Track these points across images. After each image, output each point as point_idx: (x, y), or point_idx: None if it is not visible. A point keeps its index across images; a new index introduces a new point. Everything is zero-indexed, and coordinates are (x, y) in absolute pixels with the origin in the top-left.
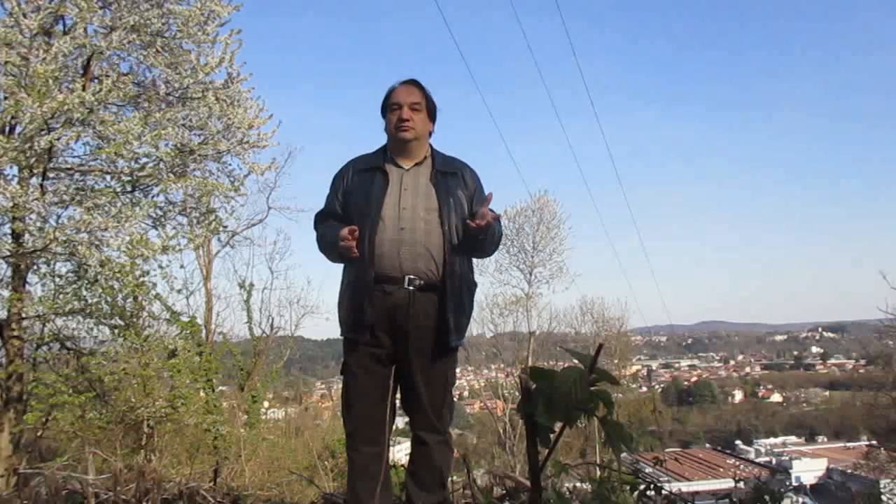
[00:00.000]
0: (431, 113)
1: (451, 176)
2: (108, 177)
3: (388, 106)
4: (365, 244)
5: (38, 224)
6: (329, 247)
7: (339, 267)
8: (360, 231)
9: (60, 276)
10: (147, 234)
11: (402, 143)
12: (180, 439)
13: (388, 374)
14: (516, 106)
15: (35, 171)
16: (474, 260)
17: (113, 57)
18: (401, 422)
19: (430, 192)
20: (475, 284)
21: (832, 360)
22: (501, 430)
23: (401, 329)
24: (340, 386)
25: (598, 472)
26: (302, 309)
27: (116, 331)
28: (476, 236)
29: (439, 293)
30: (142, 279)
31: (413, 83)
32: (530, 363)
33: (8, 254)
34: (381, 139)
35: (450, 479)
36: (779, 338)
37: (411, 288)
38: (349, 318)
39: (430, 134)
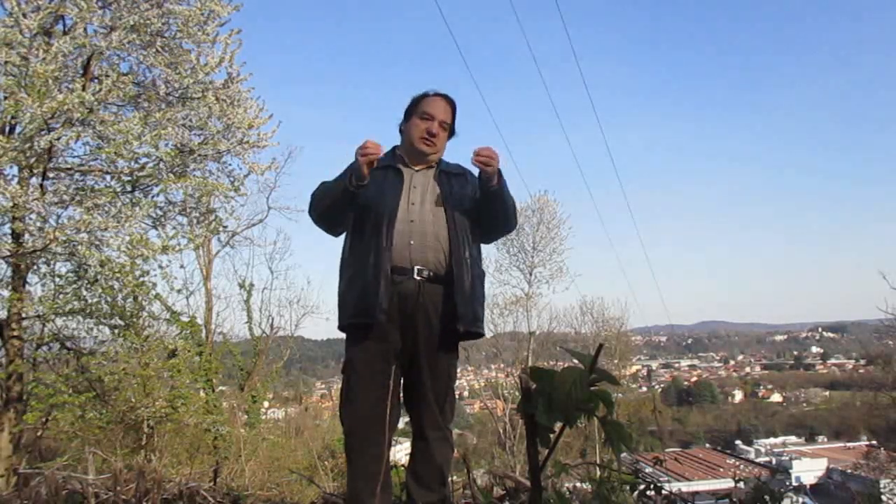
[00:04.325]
0: (451, 135)
1: (455, 176)
2: (108, 177)
3: (420, 112)
4: (382, 234)
5: (38, 224)
6: (335, 184)
7: (340, 265)
8: (376, 222)
9: (60, 276)
10: (147, 234)
11: (419, 153)
12: (180, 439)
13: (391, 373)
14: (516, 105)
15: (35, 171)
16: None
17: (113, 57)
18: (401, 422)
19: (436, 189)
20: (483, 274)
21: (832, 360)
22: (501, 430)
23: (409, 319)
24: (340, 384)
25: (598, 472)
26: (302, 309)
27: (116, 331)
28: (489, 191)
29: (447, 283)
30: (142, 279)
31: (450, 102)
32: (530, 363)
33: (8, 254)
34: (383, 138)
35: (450, 478)
36: (779, 338)
37: (420, 278)
38: (360, 303)
39: None
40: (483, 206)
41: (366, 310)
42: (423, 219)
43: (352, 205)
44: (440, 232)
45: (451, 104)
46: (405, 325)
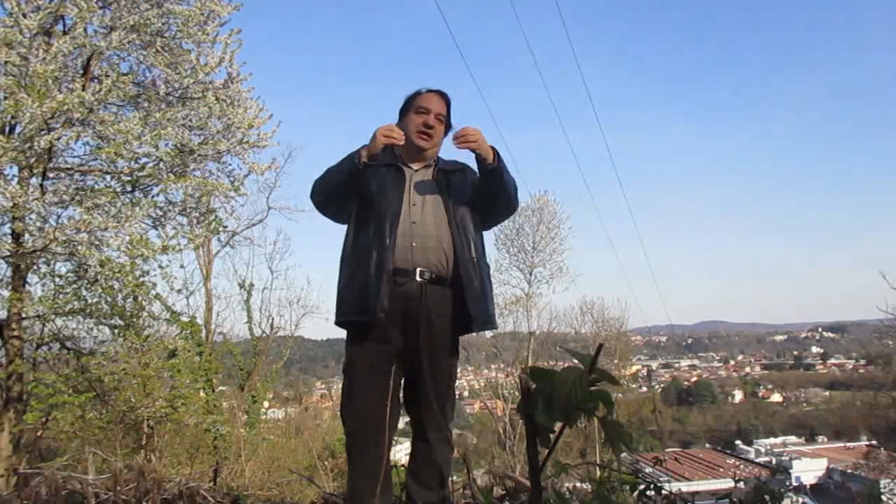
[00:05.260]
0: (447, 129)
1: (452, 174)
2: (108, 177)
3: (415, 107)
4: (385, 234)
5: (38, 224)
6: (340, 165)
7: (340, 262)
8: (378, 220)
9: (60, 276)
10: (147, 234)
11: (417, 148)
12: (180, 439)
13: (392, 373)
14: (516, 105)
15: (35, 171)
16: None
17: (113, 57)
18: (401, 422)
19: (436, 188)
20: (489, 267)
21: (832, 360)
22: (501, 430)
23: (411, 321)
24: (341, 384)
25: (598, 472)
26: (302, 309)
27: (116, 331)
28: (488, 171)
29: (453, 284)
30: (142, 279)
31: (444, 96)
32: (530, 363)
33: (8, 254)
34: None
35: (450, 478)
36: (779, 338)
37: (422, 280)
38: (360, 301)
39: None
40: (483, 189)
41: (366, 308)
42: (425, 220)
43: (355, 189)
44: (442, 233)
45: (446, 98)
46: (407, 326)
